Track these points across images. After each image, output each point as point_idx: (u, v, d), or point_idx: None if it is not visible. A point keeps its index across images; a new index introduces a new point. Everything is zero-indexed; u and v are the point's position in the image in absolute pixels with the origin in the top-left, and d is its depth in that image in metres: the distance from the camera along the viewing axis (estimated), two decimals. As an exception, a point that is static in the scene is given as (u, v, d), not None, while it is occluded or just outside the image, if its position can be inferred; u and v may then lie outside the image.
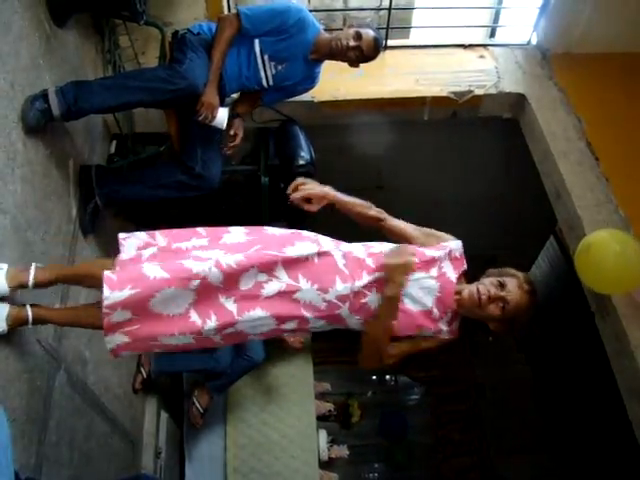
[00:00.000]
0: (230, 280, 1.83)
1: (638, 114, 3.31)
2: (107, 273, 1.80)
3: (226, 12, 3.38)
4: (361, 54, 2.94)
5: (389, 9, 3.57)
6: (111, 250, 3.10)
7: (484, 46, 3.83)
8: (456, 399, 6.99)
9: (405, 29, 4.15)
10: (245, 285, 1.86)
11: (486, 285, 2.01)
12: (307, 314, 1.92)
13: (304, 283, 1.90)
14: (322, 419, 4.80)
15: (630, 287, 2.63)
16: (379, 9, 4.06)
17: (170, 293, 1.80)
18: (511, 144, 3.83)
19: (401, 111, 3.56)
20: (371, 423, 6.68)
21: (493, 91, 3.57)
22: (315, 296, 1.91)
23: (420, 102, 3.54)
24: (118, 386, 3.30)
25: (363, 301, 1.97)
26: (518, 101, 3.58)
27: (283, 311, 1.89)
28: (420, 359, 7.07)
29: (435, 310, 2.03)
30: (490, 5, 3.98)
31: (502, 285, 1.99)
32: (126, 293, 1.77)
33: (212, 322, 1.84)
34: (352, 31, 2.93)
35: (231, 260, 1.82)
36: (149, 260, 1.91)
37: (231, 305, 1.85)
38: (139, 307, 1.80)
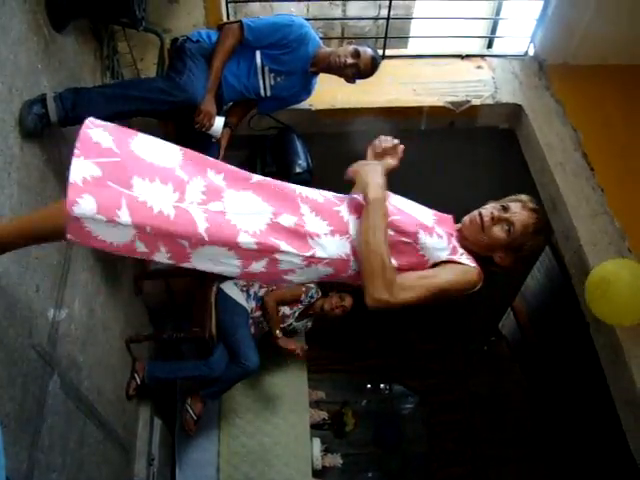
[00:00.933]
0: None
1: (633, 126, 3.33)
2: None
3: (225, 19, 3.40)
4: (358, 71, 2.98)
5: (387, 19, 3.58)
6: (108, 256, 3.11)
7: (481, 56, 3.85)
8: (450, 409, 7.00)
9: (403, 39, 4.16)
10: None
11: (488, 209, 1.88)
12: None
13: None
14: (316, 427, 4.80)
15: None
16: (377, 18, 4.08)
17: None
18: (508, 155, 3.84)
19: (398, 120, 3.57)
20: (365, 432, 6.68)
21: (490, 101, 3.59)
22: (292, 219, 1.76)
23: (417, 112, 3.56)
24: (112, 392, 3.28)
25: (336, 210, 1.83)
26: (515, 112, 3.59)
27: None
28: (415, 367, 7.09)
29: (437, 228, 1.86)
30: (488, 16, 4.00)
31: (505, 208, 1.85)
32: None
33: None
34: (351, 48, 2.96)
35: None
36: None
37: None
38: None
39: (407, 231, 1.81)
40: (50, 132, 2.46)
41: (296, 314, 4.00)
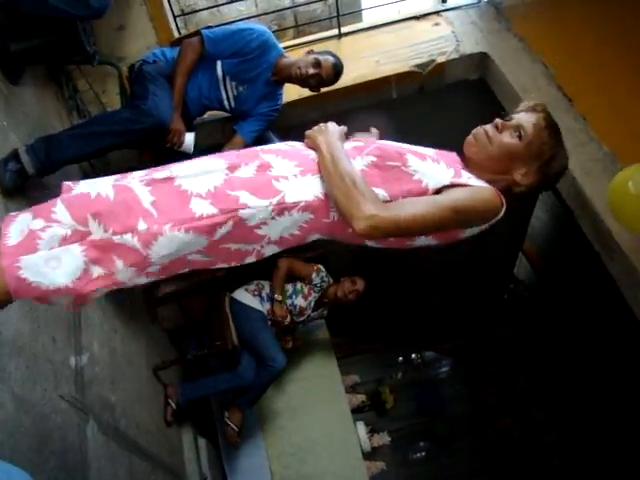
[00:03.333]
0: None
1: (601, 43, 3.29)
2: None
3: (176, 35, 3.38)
4: (321, 80, 2.98)
5: (336, -3, 3.56)
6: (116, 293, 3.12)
7: (437, 13, 3.82)
8: (485, 363, 7.03)
9: (357, 13, 4.12)
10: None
11: (490, 123, 1.66)
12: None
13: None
14: (357, 411, 4.83)
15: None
16: (326, -1, 4.06)
17: None
18: (484, 104, 3.81)
19: (369, 94, 3.56)
20: (407, 404, 6.72)
21: (455, 56, 3.56)
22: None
23: (385, 82, 3.54)
24: (150, 422, 3.30)
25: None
26: (481, 60, 3.57)
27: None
28: (442, 330, 7.11)
29: (434, 156, 1.63)
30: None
31: (507, 119, 1.64)
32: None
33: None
34: (311, 58, 2.96)
35: None
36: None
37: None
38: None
39: (391, 153, 1.59)
40: (30, 183, 2.47)
41: (312, 304, 4.01)
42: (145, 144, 2.92)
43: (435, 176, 1.55)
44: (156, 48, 3.12)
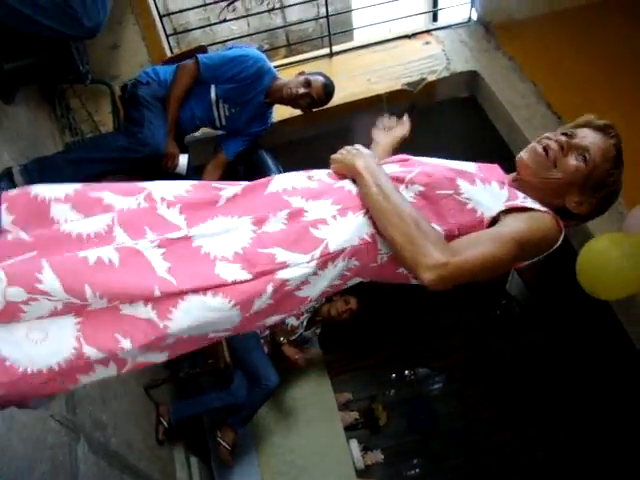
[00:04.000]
0: None
1: (589, 61, 3.33)
2: None
3: (169, 54, 3.40)
4: (312, 101, 3.00)
5: (327, 17, 3.59)
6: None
7: (427, 32, 3.85)
8: (477, 380, 7.01)
9: (348, 32, 4.16)
10: None
11: (549, 136, 1.43)
12: None
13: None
14: (350, 429, 4.80)
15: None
16: (318, 18, 4.09)
17: None
18: (475, 122, 3.85)
19: (360, 113, 3.57)
20: (399, 421, 6.66)
21: (445, 74, 3.60)
22: None
23: (377, 100, 3.56)
24: (142, 441, 3.27)
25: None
26: (472, 78, 3.61)
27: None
28: (434, 347, 7.10)
29: (481, 174, 1.42)
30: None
31: (570, 135, 1.40)
32: None
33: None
34: (302, 78, 2.99)
35: None
36: None
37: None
38: None
39: (440, 179, 1.35)
40: None
41: (304, 323, 4.01)
42: (137, 169, 2.94)
43: (490, 203, 1.34)
44: (148, 66, 3.14)
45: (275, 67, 3.17)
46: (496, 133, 3.54)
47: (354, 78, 3.62)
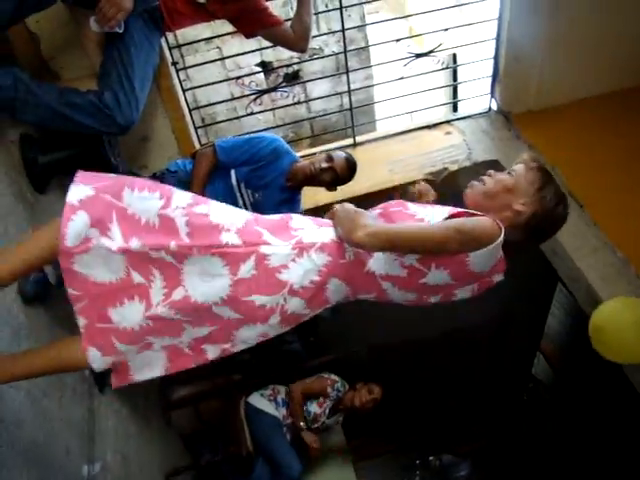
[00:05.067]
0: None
1: (610, 151, 3.37)
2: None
3: (198, 145, 3.50)
4: (335, 175, 3.02)
5: (350, 109, 3.70)
6: (131, 396, 3.11)
7: (448, 122, 3.94)
8: (505, 466, 6.81)
9: (371, 123, 4.27)
10: None
11: (492, 178, 1.79)
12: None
13: None
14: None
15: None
16: (342, 110, 4.21)
17: None
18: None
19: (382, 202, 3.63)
20: (424, 511, 6.47)
21: (467, 163, 3.66)
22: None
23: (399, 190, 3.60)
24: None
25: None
26: (493, 167, 3.55)
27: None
28: (460, 432, 6.93)
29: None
30: (446, 84, 4.13)
31: (509, 173, 1.77)
32: None
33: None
34: (323, 155, 3.04)
35: None
36: None
37: None
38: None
39: (392, 204, 1.78)
40: (50, 293, 2.51)
41: (327, 411, 3.96)
42: None
43: (435, 214, 1.66)
44: (178, 159, 3.23)
45: (300, 157, 3.23)
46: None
47: (376, 168, 3.68)
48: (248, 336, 1.71)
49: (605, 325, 2.56)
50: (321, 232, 1.70)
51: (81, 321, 1.61)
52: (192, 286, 1.61)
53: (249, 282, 1.62)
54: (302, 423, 3.84)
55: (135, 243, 1.55)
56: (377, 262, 1.65)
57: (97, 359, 1.63)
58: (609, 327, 2.54)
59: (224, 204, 1.75)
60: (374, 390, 3.98)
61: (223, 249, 1.59)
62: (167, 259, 1.59)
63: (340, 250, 1.67)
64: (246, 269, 1.61)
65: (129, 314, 1.61)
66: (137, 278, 1.60)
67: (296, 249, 1.65)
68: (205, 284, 1.61)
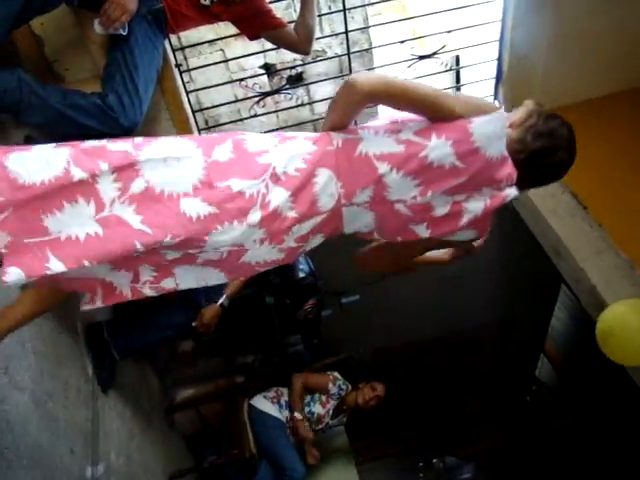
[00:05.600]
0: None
1: (615, 153, 3.36)
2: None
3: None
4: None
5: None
6: (134, 398, 3.12)
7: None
8: (509, 468, 6.80)
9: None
10: None
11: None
12: None
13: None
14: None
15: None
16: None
17: None
18: (500, 214, 3.87)
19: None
20: (428, 513, 6.47)
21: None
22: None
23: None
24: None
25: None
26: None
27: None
28: (463, 434, 6.93)
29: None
30: (450, 85, 4.13)
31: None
32: None
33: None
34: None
35: None
36: None
37: None
38: None
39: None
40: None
41: (330, 412, 3.95)
42: None
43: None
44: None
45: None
46: (521, 223, 3.55)
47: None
48: (221, 241, 1.44)
49: (612, 328, 2.55)
50: (296, 146, 1.50)
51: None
52: (155, 173, 1.39)
53: (225, 165, 1.43)
54: (298, 414, 3.81)
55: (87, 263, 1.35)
56: (369, 141, 1.47)
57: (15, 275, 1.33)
58: (616, 331, 2.52)
59: (158, 149, 1.47)
60: (377, 387, 3.98)
61: (195, 226, 1.39)
62: (119, 153, 1.39)
63: (326, 138, 1.50)
64: (222, 151, 1.45)
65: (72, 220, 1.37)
66: (78, 174, 1.35)
67: (278, 137, 1.51)
68: (171, 170, 1.40)
